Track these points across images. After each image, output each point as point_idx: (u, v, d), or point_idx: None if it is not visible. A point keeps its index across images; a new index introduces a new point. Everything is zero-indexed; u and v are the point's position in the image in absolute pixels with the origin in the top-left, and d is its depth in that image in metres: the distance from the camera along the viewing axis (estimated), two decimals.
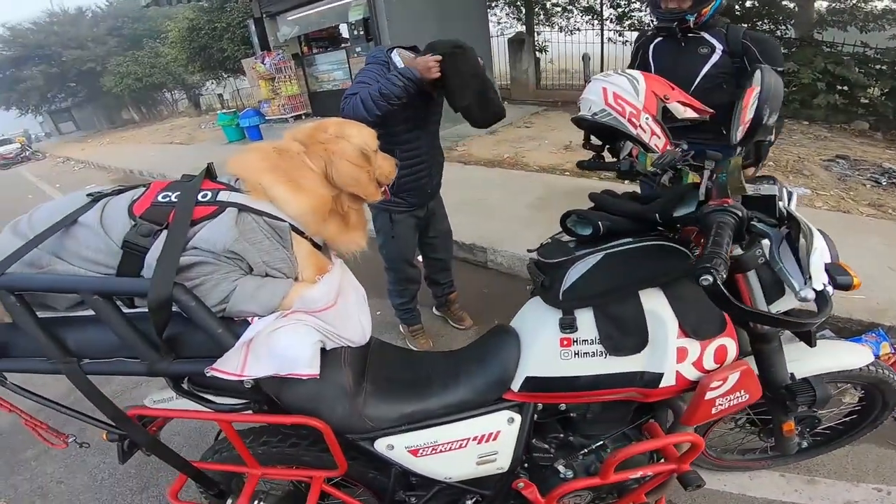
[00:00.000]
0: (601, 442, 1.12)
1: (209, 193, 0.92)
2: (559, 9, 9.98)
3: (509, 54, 9.02)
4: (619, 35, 9.30)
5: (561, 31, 9.89)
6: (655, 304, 0.94)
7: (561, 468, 1.11)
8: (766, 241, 0.87)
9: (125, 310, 0.89)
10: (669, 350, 0.94)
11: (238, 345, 0.86)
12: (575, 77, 9.09)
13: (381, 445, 1.02)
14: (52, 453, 2.15)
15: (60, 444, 1.04)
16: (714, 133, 1.95)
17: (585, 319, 0.96)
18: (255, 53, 8.73)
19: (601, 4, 9.40)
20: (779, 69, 1.76)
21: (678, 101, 1.24)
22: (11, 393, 0.97)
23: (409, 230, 2.22)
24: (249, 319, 0.91)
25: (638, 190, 1.58)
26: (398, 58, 1.87)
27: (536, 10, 9.86)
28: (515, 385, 1.02)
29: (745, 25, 2.09)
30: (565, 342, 0.96)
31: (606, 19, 9.45)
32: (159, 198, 0.91)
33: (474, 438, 1.04)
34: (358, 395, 0.99)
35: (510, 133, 6.49)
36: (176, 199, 0.91)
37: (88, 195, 0.95)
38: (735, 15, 7.54)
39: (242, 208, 0.91)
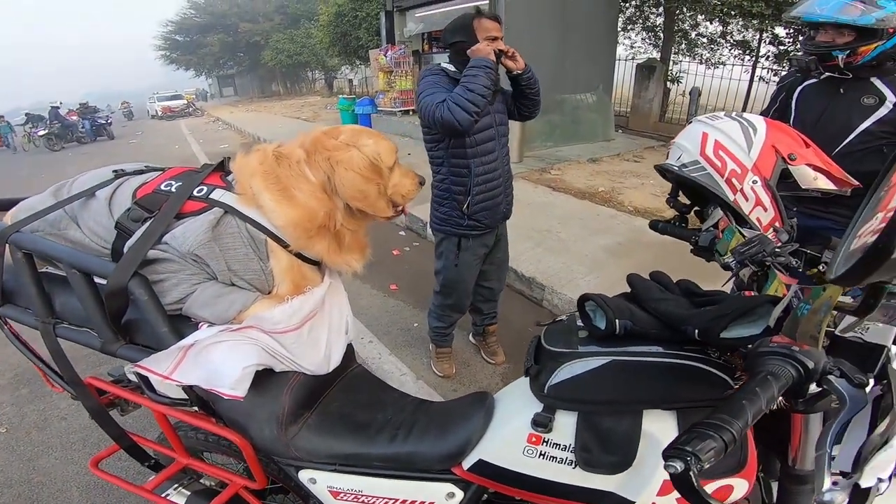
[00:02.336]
0: None
1: (205, 189, 0.91)
2: (705, 39, 9.04)
3: (635, 80, 8.40)
4: (775, 75, 8.13)
5: (702, 63, 8.95)
6: (659, 427, 0.77)
7: None
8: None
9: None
10: (654, 480, 0.76)
11: (174, 347, 0.85)
12: (709, 113, 8.13)
13: (304, 476, 0.96)
14: None
15: (58, 388, 1.10)
16: (852, 209, 1.53)
17: (565, 423, 0.82)
18: (381, 45, 9.17)
19: (759, 40, 8.29)
20: None
21: (808, 165, 0.93)
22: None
23: (475, 260, 2.09)
24: (199, 325, 0.89)
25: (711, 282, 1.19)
26: (450, 67, 1.88)
27: (677, 38, 9.05)
28: (466, 463, 0.90)
29: None
30: (534, 439, 0.83)
31: (763, 56, 8.32)
32: (162, 186, 0.93)
33: (402, 502, 0.94)
34: (293, 423, 0.95)
35: (614, 165, 6.01)
36: (175, 190, 0.91)
37: (113, 171, 1.00)
38: None
39: (230, 210, 0.89)
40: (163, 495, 1.12)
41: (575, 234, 3.77)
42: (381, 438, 0.94)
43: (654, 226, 1.19)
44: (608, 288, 2.76)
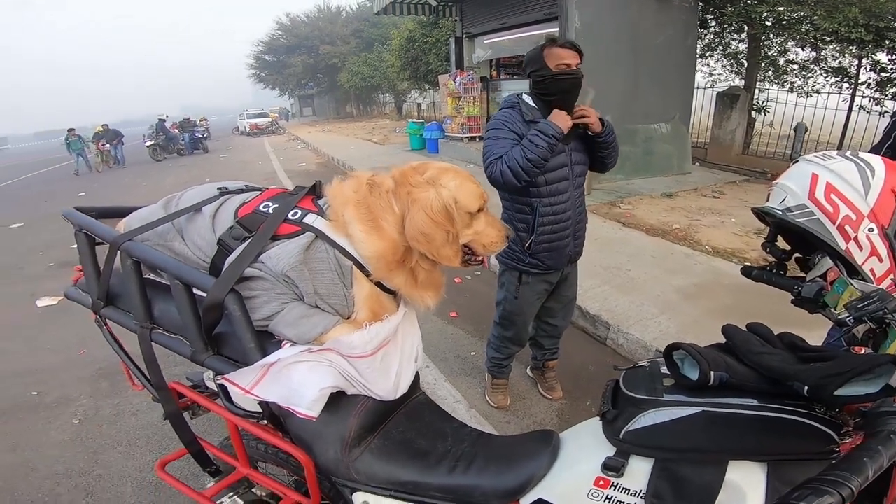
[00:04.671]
0: None
1: (299, 213, 0.95)
2: (796, 66, 8.42)
3: (716, 110, 7.96)
4: (878, 104, 7.37)
5: (792, 92, 8.30)
6: (744, 478, 0.74)
7: None
8: None
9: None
10: None
11: (258, 364, 0.89)
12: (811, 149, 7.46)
13: (358, 498, 0.97)
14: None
15: (138, 387, 1.17)
16: None
17: (638, 468, 0.80)
18: (450, 71, 9.41)
19: (858, 66, 7.57)
20: None
21: None
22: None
23: (536, 295, 2.04)
24: (283, 343, 0.92)
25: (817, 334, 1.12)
26: (528, 99, 1.84)
27: (764, 65, 8.48)
28: (525, 500, 0.89)
29: None
30: (601, 482, 0.81)
31: (863, 84, 7.58)
32: (261, 206, 0.98)
33: None
34: (356, 446, 0.96)
35: (690, 200, 5.69)
36: (271, 212, 0.95)
37: (218, 189, 1.07)
38: None
39: (320, 236, 0.92)
40: (217, 502, 1.15)
41: (646, 272, 3.60)
42: (441, 468, 0.93)
43: (748, 273, 1.12)
44: (681, 331, 2.59)
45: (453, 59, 9.40)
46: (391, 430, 1.01)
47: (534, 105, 1.82)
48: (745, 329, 0.89)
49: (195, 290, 0.93)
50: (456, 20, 9.36)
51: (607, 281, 3.43)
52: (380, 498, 0.95)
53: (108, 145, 13.90)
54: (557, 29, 6.11)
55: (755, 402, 0.77)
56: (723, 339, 0.89)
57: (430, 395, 2.49)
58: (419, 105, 19.37)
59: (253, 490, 1.23)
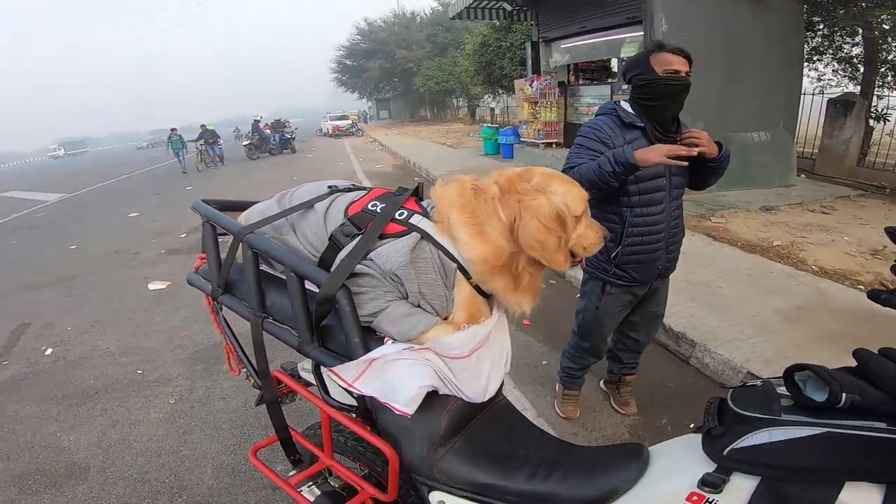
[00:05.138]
0: None
1: (405, 213, 0.98)
2: None
3: (826, 118, 7.15)
4: None
5: None
6: (857, 498, 0.72)
7: None
8: None
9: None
10: None
11: (362, 359, 0.91)
12: None
13: (434, 497, 0.97)
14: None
15: (235, 371, 1.26)
16: None
17: (740, 486, 0.78)
18: (527, 75, 9.29)
19: None
20: None
21: None
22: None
23: (619, 307, 1.96)
24: (385, 339, 0.94)
25: None
26: (626, 105, 1.76)
27: (883, 70, 7.44)
28: None
29: None
30: (695, 498, 0.79)
31: None
32: (369, 205, 1.02)
33: None
34: (442, 446, 0.96)
35: (795, 215, 5.15)
36: (379, 211, 0.99)
37: (329, 187, 1.12)
38: None
39: (425, 237, 0.94)
40: (299, 490, 1.17)
41: (739, 291, 3.33)
42: (521, 474, 0.93)
43: (876, 296, 1.02)
44: (778, 355, 2.39)
45: (529, 63, 9.28)
46: (474, 433, 1.01)
47: (631, 111, 1.74)
48: (876, 353, 0.85)
49: (306, 284, 0.97)
50: (532, 24, 9.25)
51: (694, 297, 3.21)
52: (456, 499, 0.95)
53: (206, 145, 14.97)
54: (641, 33, 5.82)
55: (884, 426, 0.74)
56: (837, 365, 0.84)
57: None
58: (492, 109, 19.37)
59: (329, 481, 1.26)
